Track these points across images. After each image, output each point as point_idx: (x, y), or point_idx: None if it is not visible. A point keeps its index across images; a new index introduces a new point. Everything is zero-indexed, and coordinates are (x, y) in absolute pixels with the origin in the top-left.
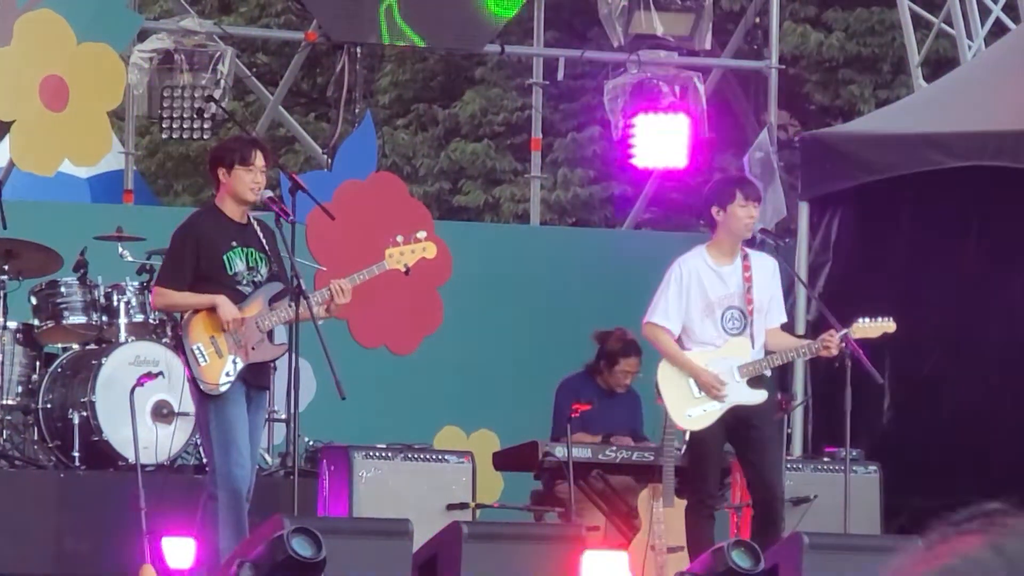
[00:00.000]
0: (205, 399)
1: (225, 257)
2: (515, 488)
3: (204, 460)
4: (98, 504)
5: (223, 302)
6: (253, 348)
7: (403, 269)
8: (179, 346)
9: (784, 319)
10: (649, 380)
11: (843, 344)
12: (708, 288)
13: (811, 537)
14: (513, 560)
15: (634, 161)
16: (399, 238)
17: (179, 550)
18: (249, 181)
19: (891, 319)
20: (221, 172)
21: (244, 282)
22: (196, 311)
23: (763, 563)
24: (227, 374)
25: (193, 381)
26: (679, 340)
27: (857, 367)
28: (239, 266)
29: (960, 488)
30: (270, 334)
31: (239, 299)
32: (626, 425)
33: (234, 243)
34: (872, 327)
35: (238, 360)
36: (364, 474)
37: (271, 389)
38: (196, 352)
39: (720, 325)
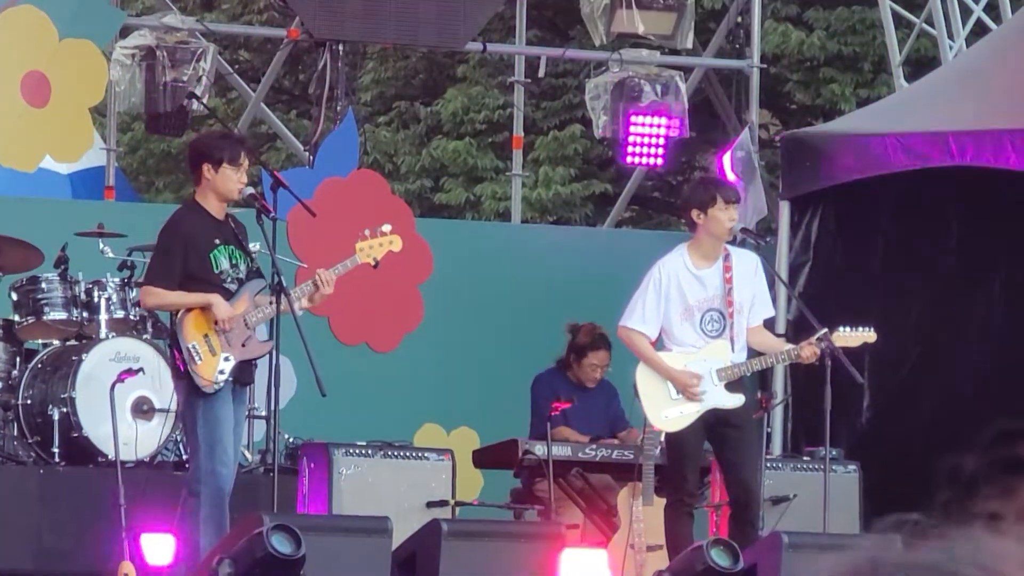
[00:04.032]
0: (194, 397)
1: (211, 255)
2: (495, 486)
3: (185, 457)
4: (78, 500)
5: (218, 301)
6: (243, 345)
7: (372, 263)
8: (173, 345)
9: (771, 313)
10: (620, 374)
11: (824, 344)
12: (687, 292)
13: (790, 536)
14: (492, 558)
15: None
16: (366, 231)
17: (158, 546)
18: (236, 180)
19: (871, 329)
20: (207, 168)
21: (229, 280)
22: (188, 310)
23: (742, 562)
24: (221, 372)
25: (184, 379)
26: (660, 341)
27: (837, 367)
28: (224, 264)
29: (939, 488)
30: (256, 331)
31: (226, 297)
32: (604, 418)
33: (217, 241)
34: (852, 336)
35: (231, 357)
36: (344, 471)
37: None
38: (192, 351)
39: (699, 328)
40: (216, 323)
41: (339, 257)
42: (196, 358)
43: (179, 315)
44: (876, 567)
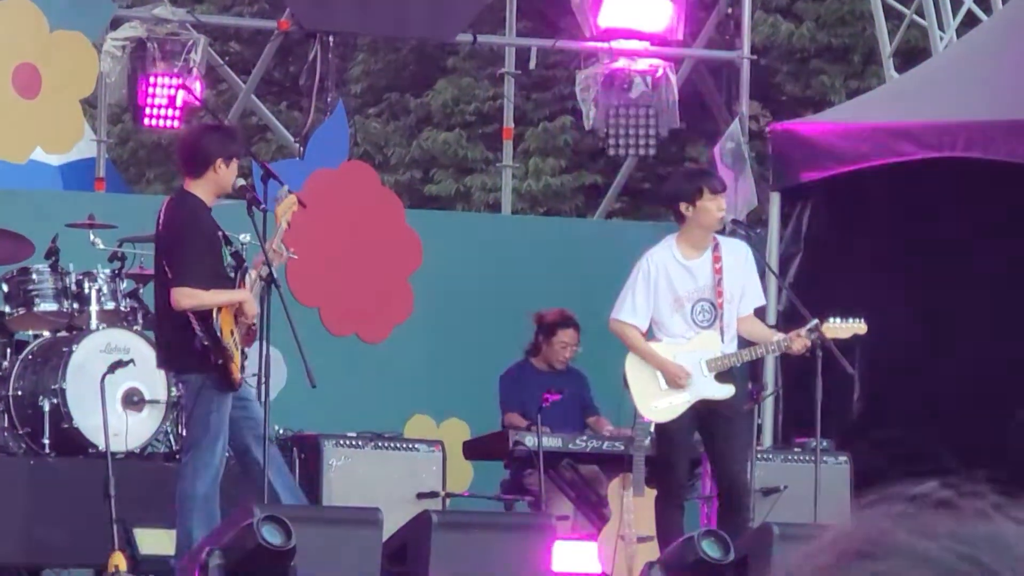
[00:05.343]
0: (211, 391)
1: (222, 250)
2: (485, 477)
3: (175, 448)
4: (68, 491)
5: (248, 297)
6: (247, 335)
7: (287, 226)
8: (213, 345)
9: (761, 302)
10: (609, 366)
11: (815, 334)
12: (676, 283)
13: (781, 527)
14: (483, 549)
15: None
16: (279, 194)
17: (148, 538)
18: (235, 174)
19: (862, 320)
20: (219, 163)
21: (230, 271)
22: (218, 308)
23: (733, 553)
24: (243, 367)
25: (208, 373)
26: (650, 331)
27: (828, 357)
28: (227, 256)
29: (930, 479)
30: None
31: (230, 288)
32: (576, 404)
33: (219, 234)
34: (843, 327)
35: (245, 351)
36: (334, 462)
37: None
38: (229, 349)
39: (690, 318)
40: (237, 319)
41: (329, 247)
42: (231, 356)
43: (215, 314)
44: (867, 551)
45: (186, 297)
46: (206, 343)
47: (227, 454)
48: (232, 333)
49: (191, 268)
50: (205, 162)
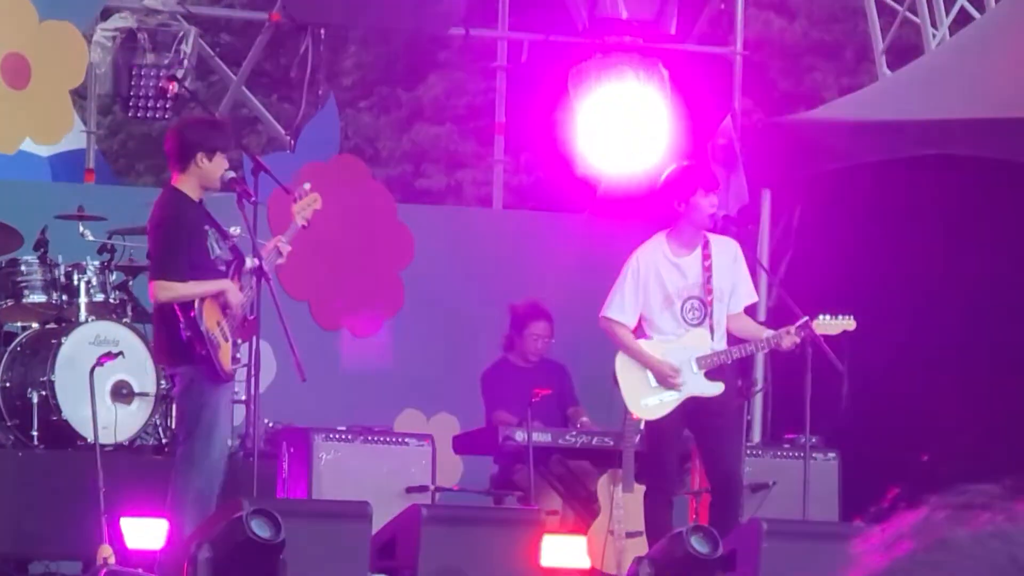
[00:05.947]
0: (203, 383)
1: (208, 242)
2: (475, 472)
3: (164, 441)
4: (57, 484)
5: (231, 287)
6: (242, 327)
7: (305, 224)
8: (195, 336)
9: (753, 299)
10: (581, 353)
11: (804, 331)
12: (667, 281)
13: (769, 523)
14: (472, 544)
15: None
16: (297, 192)
17: (137, 530)
18: (224, 167)
19: (851, 317)
20: (201, 156)
21: (220, 263)
22: (202, 299)
23: (721, 548)
24: (235, 358)
25: (198, 364)
26: (640, 328)
27: (817, 354)
28: (216, 249)
29: (918, 476)
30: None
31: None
32: (555, 398)
33: (206, 227)
34: (832, 324)
35: (237, 342)
36: (324, 456)
37: None
38: (213, 340)
39: (680, 316)
40: (225, 310)
41: (319, 240)
42: (218, 346)
43: (198, 305)
44: (921, 545)
45: (162, 290)
46: (189, 334)
47: (228, 446)
48: (218, 324)
49: (167, 261)
50: (187, 155)
